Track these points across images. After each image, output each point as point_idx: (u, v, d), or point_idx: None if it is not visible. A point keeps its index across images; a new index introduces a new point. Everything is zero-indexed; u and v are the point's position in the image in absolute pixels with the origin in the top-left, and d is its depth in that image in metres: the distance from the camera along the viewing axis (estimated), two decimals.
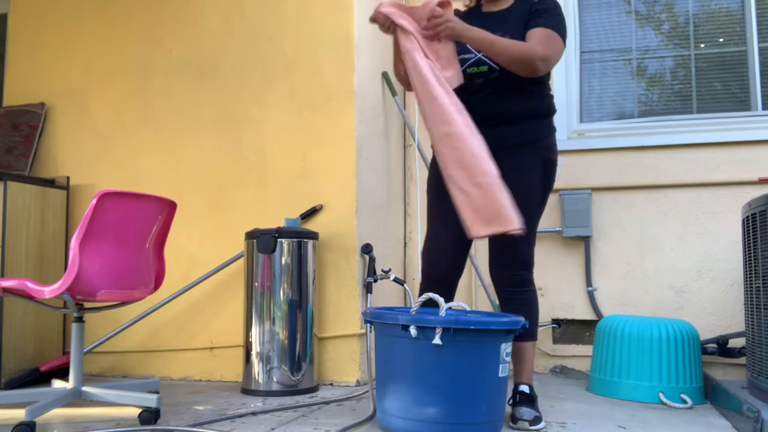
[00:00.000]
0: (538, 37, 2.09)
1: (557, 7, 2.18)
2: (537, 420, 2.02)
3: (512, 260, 2.16)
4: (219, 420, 2.11)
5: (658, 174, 3.15)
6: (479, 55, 2.16)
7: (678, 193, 3.12)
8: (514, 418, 2.03)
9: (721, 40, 3.24)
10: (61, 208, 3.12)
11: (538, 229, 3.21)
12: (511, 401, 2.12)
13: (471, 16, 2.26)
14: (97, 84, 3.29)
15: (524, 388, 2.13)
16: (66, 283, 1.96)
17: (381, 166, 3.15)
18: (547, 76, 2.24)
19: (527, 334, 2.13)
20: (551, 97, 2.26)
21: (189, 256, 3.06)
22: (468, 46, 2.16)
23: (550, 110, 2.24)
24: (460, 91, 2.09)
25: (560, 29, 2.13)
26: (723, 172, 3.07)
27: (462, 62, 2.17)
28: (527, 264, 2.18)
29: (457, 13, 2.25)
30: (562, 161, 3.27)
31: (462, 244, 2.24)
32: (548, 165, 2.21)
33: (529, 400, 2.10)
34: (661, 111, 3.30)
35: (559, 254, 3.25)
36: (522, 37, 2.12)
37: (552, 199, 3.27)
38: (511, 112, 2.16)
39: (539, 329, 3.24)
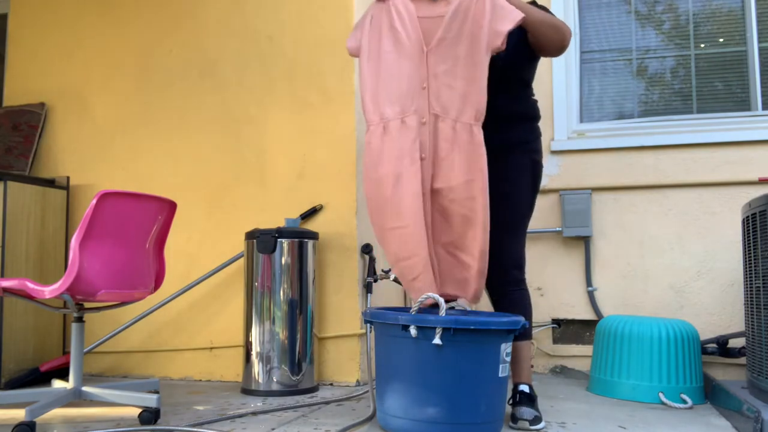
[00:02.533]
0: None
1: None
2: (537, 420, 2.02)
3: (504, 260, 2.16)
4: (219, 420, 2.11)
5: (658, 174, 3.15)
6: None
7: (678, 193, 3.12)
8: (514, 418, 2.03)
9: (721, 40, 3.24)
10: (61, 208, 3.12)
11: (538, 230, 3.25)
12: (511, 401, 2.12)
13: None
14: (97, 84, 3.29)
15: (524, 388, 2.13)
16: (66, 283, 1.96)
17: None
18: (532, 80, 2.28)
19: (522, 333, 2.13)
20: (536, 101, 2.30)
21: (189, 256, 3.06)
22: None
23: (537, 114, 2.29)
24: None
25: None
26: (723, 172, 3.07)
27: None
28: (519, 264, 2.19)
29: None
30: (562, 161, 3.27)
31: None
32: (536, 167, 2.24)
33: (529, 399, 2.10)
34: (661, 111, 3.29)
35: (559, 254, 3.25)
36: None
37: (552, 199, 3.28)
38: (500, 113, 2.19)
39: (539, 329, 3.25)
